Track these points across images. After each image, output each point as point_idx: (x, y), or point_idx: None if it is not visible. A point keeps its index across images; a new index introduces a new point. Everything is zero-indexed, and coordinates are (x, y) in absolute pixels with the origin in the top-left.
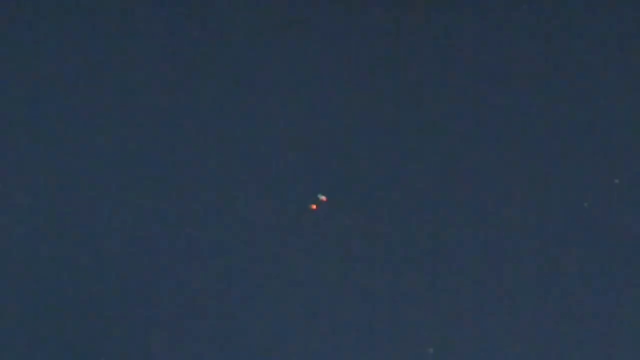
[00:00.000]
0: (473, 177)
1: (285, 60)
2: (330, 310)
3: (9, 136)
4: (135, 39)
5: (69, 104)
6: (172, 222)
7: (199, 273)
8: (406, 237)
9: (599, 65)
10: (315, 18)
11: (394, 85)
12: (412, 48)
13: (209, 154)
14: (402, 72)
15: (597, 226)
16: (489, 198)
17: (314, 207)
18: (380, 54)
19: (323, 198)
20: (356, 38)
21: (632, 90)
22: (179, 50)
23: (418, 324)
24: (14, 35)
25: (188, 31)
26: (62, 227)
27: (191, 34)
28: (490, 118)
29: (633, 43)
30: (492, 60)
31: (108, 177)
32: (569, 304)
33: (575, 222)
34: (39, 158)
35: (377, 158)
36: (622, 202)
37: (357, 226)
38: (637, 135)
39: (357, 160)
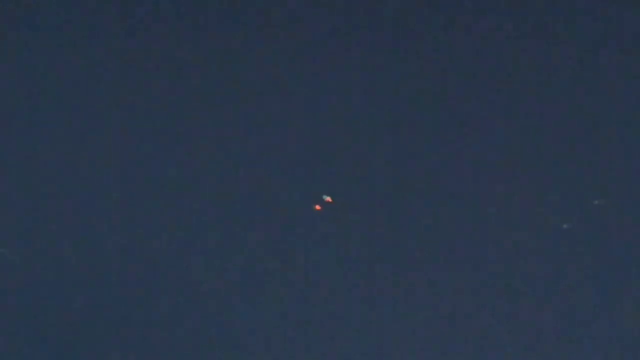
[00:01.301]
0: (473, 177)
1: (287, 60)
2: (329, 311)
3: (9, 137)
4: (135, 39)
5: (69, 105)
6: (172, 222)
7: (199, 274)
8: (406, 237)
9: (598, 67)
10: (315, 18)
11: (394, 86)
12: (413, 48)
13: (210, 155)
14: (402, 72)
15: (596, 226)
16: (490, 199)
17: (318, 207)
18: (382, 54)
19: (328, 199)
20: (358, 38)
21: (631, 91)
22: (180, 51)
23: (417, 324)
24: (13, 35)
25: (190, 32)
26: (62, 229)
27: (193, 34)
28: (491, 119)
29: (633, 43)
30: (492, 63)
31: (109, 177)
32: (568, 304)
33: (574, 222)
34: (38, 160)
35: (377, 159)
36: (622, 202)
37: (357, 226)
38: (636, 135)
39: (357, 161)
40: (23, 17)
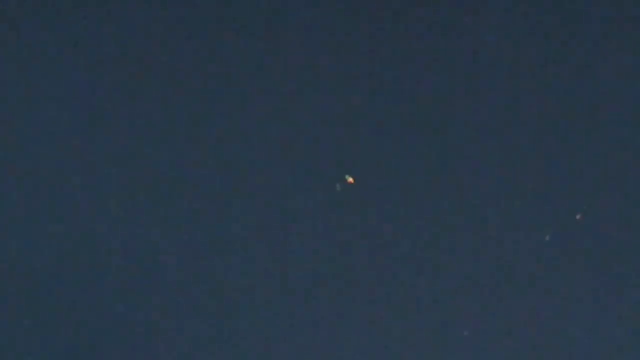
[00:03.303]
0: (472, 177)
1: (287, 58)
2: (328, 310)
3: (8, 137)
4: (134, 39)
5: (69, 106)
6: (172, 221)
7: (198, 273)
8: (405, 237)
9: (598, 68)
10: (315, 17)
11: (393, 85)
12: (413, 47)
13: (209, 154)
14: (402, 70)
15: (595, 226)
16: (489, 198)
17: (351, 180)
18: (382, 52)
19: (350, 180)
20: (357, 38)
21: (631, 91)
22: (182, 50)
23: (417, 324)
24: (14, 35)
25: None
26: (62, 230)
27: (193, 32)
28: (490, 119)
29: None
30: (492, 62)
31: (109, 175)
32: (566, 304)
33: (573, 222)
34: (39, 161)
35: (377, 158)
36: (620, 202)
37: (357, 225)
38: (636, 136)
39: (356, 161)
40: (23, 17)
